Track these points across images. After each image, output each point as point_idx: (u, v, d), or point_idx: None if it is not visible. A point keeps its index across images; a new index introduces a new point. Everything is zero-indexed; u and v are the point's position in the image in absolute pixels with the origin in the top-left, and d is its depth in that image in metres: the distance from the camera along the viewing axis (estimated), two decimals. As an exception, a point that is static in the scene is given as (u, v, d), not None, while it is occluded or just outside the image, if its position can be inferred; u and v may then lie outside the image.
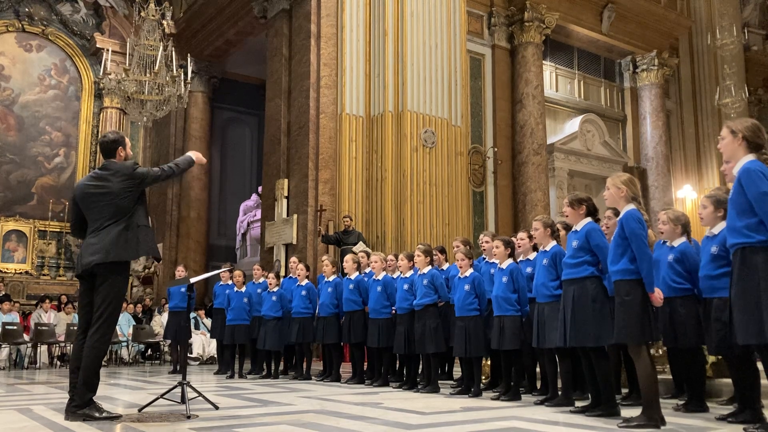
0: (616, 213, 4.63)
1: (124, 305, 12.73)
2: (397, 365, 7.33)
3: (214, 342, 10.61)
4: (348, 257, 7.66)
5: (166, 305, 11.23)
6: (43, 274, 16.98)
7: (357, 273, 7.43)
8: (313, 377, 7.90)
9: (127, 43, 12.76)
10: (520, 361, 5.66)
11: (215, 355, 10.79)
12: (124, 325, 12.28)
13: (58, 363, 11.49)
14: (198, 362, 11.80)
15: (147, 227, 4.62)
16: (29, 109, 17.92)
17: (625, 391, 5.41)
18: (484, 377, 6.48)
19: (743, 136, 3.64)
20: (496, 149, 13.79)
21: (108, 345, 4.60)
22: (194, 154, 4.97)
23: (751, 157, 3.62)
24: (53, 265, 17.36)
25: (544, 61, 14.99)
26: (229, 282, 9.07)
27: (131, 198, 4.57)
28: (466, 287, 5.94)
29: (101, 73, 12.49)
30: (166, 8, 13.62)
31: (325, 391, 6.36)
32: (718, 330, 4.25)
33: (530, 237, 5.78)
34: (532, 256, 5.74)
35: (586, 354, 4.57)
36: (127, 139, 4.85)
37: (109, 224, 4.50)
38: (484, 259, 6.55)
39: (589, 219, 4.63)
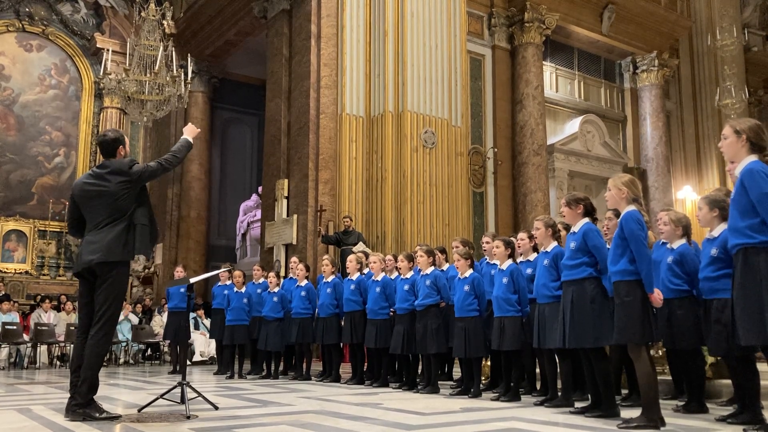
0: (617, 214, 4.63)
1: (123, 304, 12.73)
2: (397, 366, 7.33)
3: (213, 342, 10.60)
4: (351, 257, 7.65)
5: (166, 305, 11.23)
6: (43, 274, 16.99)
7: (359, 273, 7.42)
8: (312, 378, 7.90)
9: (128, 43, 12.77)
10: (520, 361, 5.65)
11: (215, 356, 10.78)
12: (123, 323, 12.27)
13: (58, 363, 11.48)
14: (201, 362, 11.78)
15: (145, 226, 4.55)
16: (29, 109, 17.93)
17: (625, 392, 5.41)
18: (483, 378, 6.48)
19: (747, 137, 3.64)
20: (496, 150, 13.79)
21: (110, 344, 4.61)
22: (189, 133, 4.83)
23: (753, 157, 3.61)
24: (53, 265, 17.37)
25: (544, 62, 15.00)
26: (228, 282, 9.07)
27: (130, 197, 4.53)
28: (466, 288, 5.93)
29: (101, 73, 12.49)
30: (166, 8, 13.61)
31: (324, 392, 6.36)
32: (718, 331, 4.25)
33: (530, 237, 5.78)
34: (533, 256, 5.74)
35: (586, 355, 4.57)
36: (126, 138, 4.81)
37: (109, 223, 4.47)
38: (486, 260, 6.54)
39: (586, 219, 4.63)
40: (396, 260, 7.23)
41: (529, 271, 5.67)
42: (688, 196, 16.94)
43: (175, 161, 4.76)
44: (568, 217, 4.70)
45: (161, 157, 4.81)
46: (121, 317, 12.13)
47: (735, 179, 3.69)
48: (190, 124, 4.93)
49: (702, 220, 4.49)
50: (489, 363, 6.59)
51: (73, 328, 11.27)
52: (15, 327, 11.24)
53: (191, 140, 4.81)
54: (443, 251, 7.20)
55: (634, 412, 4.14)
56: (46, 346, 11.45)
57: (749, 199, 3.50)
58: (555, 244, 5.17)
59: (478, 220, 13.37)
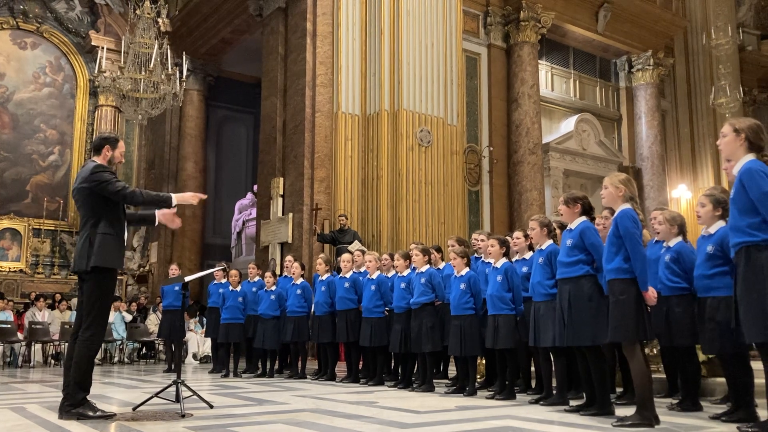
0: (614, 212, 4.63)
1: (118, 304, 12.70)
2: (392, 364, 7.33)
3: (208, 341, 10.59)
4: (345, 256, 7.65)
5: (161, 304, 11.21)
6: (38, 273, 16.92)
7: (353, 271, 7.42)
8: (308, 376, 7.90)
9: (123, 41, 12.72)
10: (514, 360, 5.66)
11: (210, 354, 10.77)
12: (119, 323, 12.25)
13: (53, 361, 11.46)
14: (198, 361, 11.77)
15: (108, 235, 4.39)
16: (24, 107, 17.86)
17: (619, 390, 5.42)
18: (479, 376, 6.48)
19: (746, 136, 3.65)
20: (491, 148, 13.80)
21: (99, 344, 4.56)
22: (180, 199, 4.49)
23: (751, 156, 3.62)
24: (47, 264, 17.31)
25: (539, 61, 15.01)
26: (223, 281, 9.06)
27: (90, 201, 4.43)
28: (462, 286, 5.94)
29: (96, 71, 12.45)
30: (161, 6, 13.56)
31: (320, 390, 6.35)
32: (712, 329, 4.26)
33: (526, 236, 5.79)
34: (528, 255, 5.74)
35: (582, 353, 4.57)
36: (120, 142, 4.67)
37: (82, 229, 4.50)
38: (480, 258, 6.55)
39: (584, 218, 4.63)
40: (392, 258, 7.22)
41: (524, 269, 5.67)
42: (683, 195, 16.99)
43: (142, 198, 4.49)
44: (566, 215, 4.70)
45: (138, 187, 4.68)
46: (114, 314, 12.11)
47: (732, 178, 3.69)
48: (192, 197, 4.54)
49: (703, 217, 4.47)
50: (484, 361, 6.59)
51: (67, 326, 11.26)
52: (9, 325, 11.20)
53: (175, 202, 4.46)
54: (439, 250, 7.20)
55: (629, 411, 4.14)
56: (40, 345, 11.42)
57: (749, 197, 3.51)
58: (550, 242, 5.17)
59: (474, 218, 13.38)
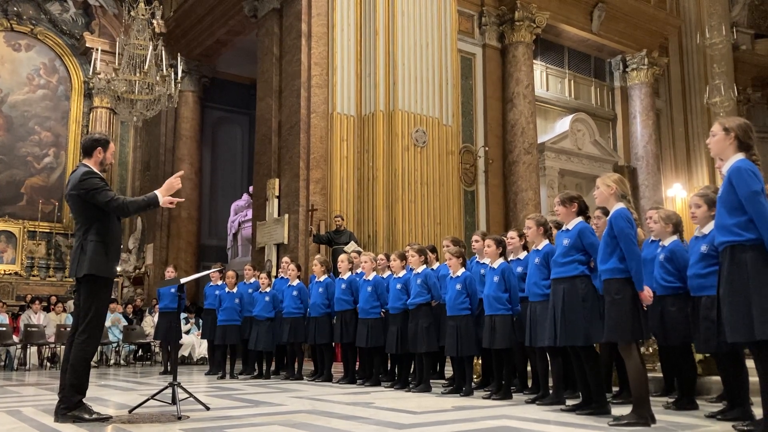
0: (605, 212, 4.65)
1: (114, 306, 12.67)
2: (389, 365, 7.33)
3: (205, 343, 10.58)
4: (342, 257, 7.65)
5: (157, 306, 11.19)
6: (33, 275, 16.88)
7: (350, 273, 7.42)
8: (304, 377, 7.90)
9: (117, 43, 12.72)
10: (511, 360, 5.66)
11: (206, 356, 10.76)
12: (114, 326, 12.22)
13: (48, 364, 11.42)
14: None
15: (101, 243, 4.38)
16: (18, 109, 17.82)
17: (615, 389, 5.43)
18: (475, 376, 6.49)
19: (735, 135, 3.66)
20: (487, 148, 13.81)
21: (95, 347, 4.56)
22: (164, 192, 4.48)
23: (740, 155, 3.63)
24: (43, 266, 17.27)
25: (534, 61, 15.03)
26: (220, 282, 9.05)
27: (82, 208, 4.43)
28: (458, 287, 5.94)
29: (91, 73, 12.40)
30: (155, 7, 13.54)
31: (316, 391, 6.35)
32: (707, 328, 4.28)
33: (520, 236, 5.79)
34: (523, 255, 5.75)
35: (576, 353, 4.58)
36: (111, 144, 4.65)
37: (76, 234, 4.54)
38: (477, 259, 6.55)
39: (580, 218, 4.64)
40: (388, 259, 7.22)
41: (519, 269, 5.68)
42: (678, 194, 17.03)
43: (129, 207, 4.49)
44: (562, 215, 4.70)
45: (125, 197, 4.65)
46: (111, 321, 12.06)
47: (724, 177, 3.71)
48: (174, 181, 4.53)
49: (699, 217, 4.49)
50: (480, 361, 6.59)
51: (63, 329, 11.23)
52: (4, 328, 11.17)
53: (161, 200, 4.45)
54: (434, 250, 7.20)
55: (625, 410, 4.15)
56: (35, 348, 11.39)
57: (737, 196, 3.52)
58: (546, 242, 5.18)
59: (470, 218, 13.39)
